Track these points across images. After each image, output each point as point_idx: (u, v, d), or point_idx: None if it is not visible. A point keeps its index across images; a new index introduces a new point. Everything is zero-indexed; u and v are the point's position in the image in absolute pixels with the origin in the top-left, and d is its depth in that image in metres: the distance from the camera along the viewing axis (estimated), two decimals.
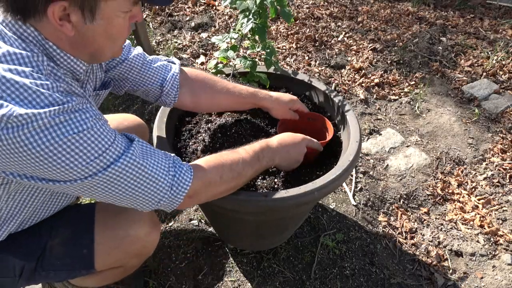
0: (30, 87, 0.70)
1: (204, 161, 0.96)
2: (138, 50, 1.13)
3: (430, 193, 1.87)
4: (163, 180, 0.86)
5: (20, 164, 0.72)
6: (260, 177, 1.16)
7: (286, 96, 1.30)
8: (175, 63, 1.19)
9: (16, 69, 0.71)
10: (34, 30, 0.75)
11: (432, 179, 1.94)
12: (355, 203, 1.79)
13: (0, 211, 0.90)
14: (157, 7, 3.15)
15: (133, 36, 2.46)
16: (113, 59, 1.07)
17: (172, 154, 0.92)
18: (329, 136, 1.27)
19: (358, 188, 1.86)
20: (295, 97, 1.32)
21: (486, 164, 2.04)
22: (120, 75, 1.11)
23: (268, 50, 1.37)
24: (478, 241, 1.67)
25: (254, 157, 1.03)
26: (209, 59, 2.64)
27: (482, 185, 1.92)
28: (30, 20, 0.74)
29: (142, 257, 1.17)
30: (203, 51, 2.71)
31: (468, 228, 1.73)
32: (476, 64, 2.73)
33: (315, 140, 1.19)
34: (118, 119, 1.41)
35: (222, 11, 3.15)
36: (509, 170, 1.99)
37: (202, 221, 1.69)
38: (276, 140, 1.11)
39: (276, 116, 1.30)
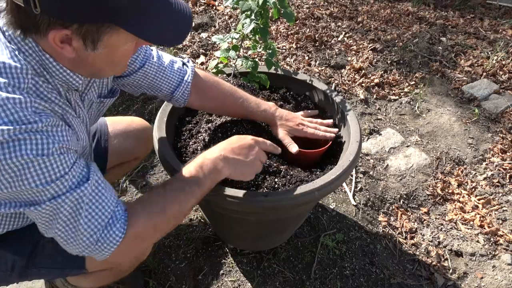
0: None
1: (139, 214, 0.87)
2: (153, 55, 1.11)
3: (430, 193, 1.88)
4: (90, 233, 0.81)
5: None
6: (260, 177, 1.16)
7: (293, 121, 1.25)
8: (188, 67, 1.18)
9: None
10: (32, 41, 0.74)
11: (432, 179, 1.94)
12: (355, 203, 1.79)
13: None
14: None
15: None
16: (128, 67, 1.07)
17: (119, 202, 0.86)
18: (329, 141, 1.28)
19: (358, 188, 1.86)
20: (301, 127, 1.25)
21: (486, 164, 2.04)
22: (134, 83, 1.11)
23: (270, 51, 1.37)
24: (478, 241, 1.67)
25: (195, 183, 0.92)
26: (209, 59, 2.64)
27: (482, 185, 1.92)
28: (31, 36, 0.73)
29: (136, 260, 1.16)
30: (203, 51, 2.71)
31: (468, 228, 1.73)
32: (476, 64, 2.73)
33: (268, 142, 1.08)
34: (127, 121, 1.43)
35: (222, 11, 3.15)
36: (509, 170, 1.99)
37: (202, 221, 1.69)
38: (217, 149, 0.98)
39: (275, 135, 1.26)
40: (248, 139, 1.03)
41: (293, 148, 1.20)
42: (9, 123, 0.68)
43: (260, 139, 1.06)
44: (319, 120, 1.35)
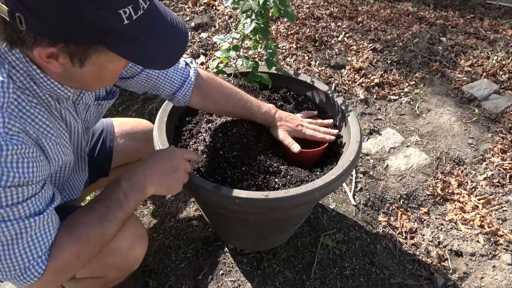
0: None
1: (60, 244, 0.84)
2: None
3: (430, 193, 1.88)
4: (19, 265, 0.78)
5: None
6: (260, 177, 1.16)
7: (293, 123, 1.26)
8: (191, 68, 1.18)
9: None
10: (19, 52, 0.73)
11: (432, 179, 1.94)
12: (355, 203, 1.79)
13: None
14: None
15: None
16: (130, 69, 1.06)
17: (48, 244, 0.82)
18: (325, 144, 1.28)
19: (358, 188, 1.86)
20: (300, 127, 1.26)
21: (486, 164, 2.04)
22: (136, 84, 1.12)
23: (271, 51, 1.37)
24: (478, 241, 1.67)
25: (115, 210, 0.90)
26: (209, 59, 2.64)
27: (482, 185, 1.92)
28: (16, 48, 0.71)
29: (123, 271, 1.13)
30: (203, 51, 2.70)
31: (468, 228, 1.73)
32: (476, 64, 2.73)
33: (188, 150, 1.09)
34: (133, 123, 1.43)
35: (222, 11, 3.14)
36: (509, 170, 1.99)
37: (202, 221, 1.69)
38: (140, 171, 0.96)
39: (276, 136, 1.27)
40: (169, 152, 1.01)
41: (295, 147, 1.21)
42: None
43: (181, 149, 1.04)
44: (319, 121, 1.35)
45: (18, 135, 0.72)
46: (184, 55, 2.65)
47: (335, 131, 1.32)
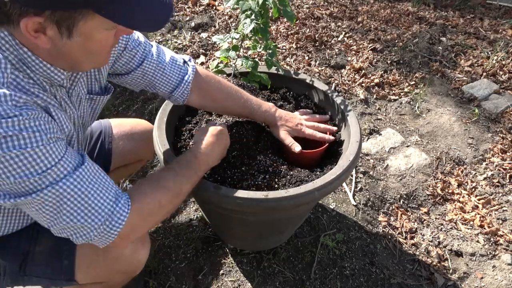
0: None
1: (142, 191, 0.91)
2: (153, 53, 1.09)
3: (430, 193, 1.87)
4: (99, 212, 0.81)
5: None
6: (260, 177, 1.16)
7: (292, 122, 1.26)
8: (190, 66, 1.17)
9: None
10: (8, 34, 0.71)
11: (432, 179, 1.94)
12: (355, 203, 1.79)
13: None
14: None
15: None
16: (125, 65, 1.06)
17: (115, 187, 0.87)
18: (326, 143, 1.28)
19: (358, 188, 1.86)
20: (300, 126, 1.26)
21: (486, 164, 2.04)
22: (132, 81, 1.11)
23: (270, 51, 1.37)
24: (478, 241, 1.67)
25: (190, 171, 0.99)
26: (209, 59, 2.64)
27: (482, 185, 1.92)
28: (3, 27, 0.70)
29: (127, 275, 1.13)
30: (203, 51, 2.71)
31: (468, 228, 1.73)
32: (476, 64, 2.73)
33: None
34: (132, 124, 1.42)
35: (222, 11, 3.15)
36: (509, 170, 1.99)
37: (202, 221, 1.69)
38: (199, 145, 1.05)
39: (276, 135, 1.27)
40: (223, 133, 1.11)
41: (296, 147, 1.21)
42: None
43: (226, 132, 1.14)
44: (317, 116, 1.35)
45: (27, 105, 0.72)
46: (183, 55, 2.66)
47: (334, 128, 1.33)
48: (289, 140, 1.24)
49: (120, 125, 1.39)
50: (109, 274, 1.07)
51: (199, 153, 1.03)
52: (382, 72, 2.60)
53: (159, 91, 1.16)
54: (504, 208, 1.81)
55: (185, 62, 1.18)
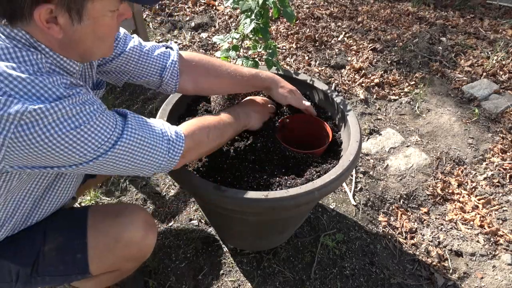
0: (37, 83, 0.71)
1: (191, 123, 1.03)
2: (135, 41, 1.10)
3: (430, 193, 1.87)
4: (160, 146, 0.92)
5: (35, 157, 0.74)
6: (260, 177, 1.16)
7: (287, 86, 1.30)
8: (173, 49, 1.16)
9: (19, 67, 0.71)
10: (25, 33, 0.75)
11: (432, 179, 1.94)
12: (355, 203, 1.79)
13: (8, 203, 0.91)
14: (157, 6, 3.14)
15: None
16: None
17: (162, 121, 0.98)
18: (328, 140, 1.28)
19: (358, 188, 1.86)
20: (298, 94, 1.31)
21: (486, 164, 2.04)
22: (117, 68, 1.09)
23: (270, 51, 1.37)
24: (478, 241, 1.67)
25: (233, 117, 1.14)
26: None
27: (482, 185, 1.92)
28: (17, 24, 0.73)
29: (138, 261, 1.16)
30: (203, 51, 2.71)
31: (468, 228, 1.73)
32: (476, 64, 2.73)
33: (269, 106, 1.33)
34: None
35: (222, 11, 3.15)
36: (509, 170, 1.99)
37: (202, 221, 1.69)
38: (248, 102, 1.26)
39: (277, 99, 1.29)
40: (257, 99, 1.30)
41: (306, 102, 1.32)
42: (55, 100, 0.72)
43: (267, 107, 1.32)
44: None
45: (73, 86, 0.79)
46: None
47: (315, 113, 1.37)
48: (291, 99, 1.29)
49: None
50: (121, 262, 1.09)
51: (241, 107, 1.21)
52: (382, 72, 2.60)
53: (147, 78, 1.13)
54: (504, 208, 1.81)
55: (167, 47, 1.17)
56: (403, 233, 1.71)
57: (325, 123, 1.34)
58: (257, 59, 1.58)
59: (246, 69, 1.23)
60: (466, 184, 1.93)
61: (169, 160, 0.94)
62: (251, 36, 1.34)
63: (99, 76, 1.11)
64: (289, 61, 2.65)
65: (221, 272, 1.51)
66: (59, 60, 0.82)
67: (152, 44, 1.14)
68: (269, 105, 1.33)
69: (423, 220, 1.77)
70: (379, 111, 2.35)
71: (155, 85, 1.17)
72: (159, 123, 0.95)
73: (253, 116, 1.23)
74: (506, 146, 2.12)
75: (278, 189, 1.13)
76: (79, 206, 1.69)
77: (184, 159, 0.99)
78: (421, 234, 1.71)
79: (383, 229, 1.71)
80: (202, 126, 1.04)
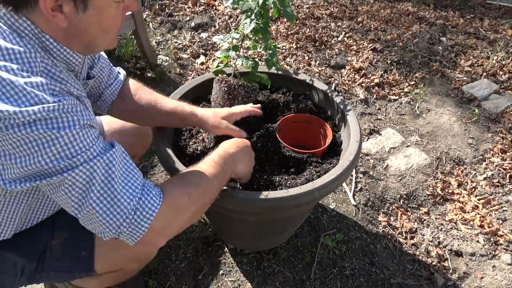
0: (17, 85, 0.68)
1: (171, 184, 0.90)
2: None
3: (430, 193, 1.88)
4: (127, 199, 0.78)
5: (8, 156, 0.71)
6: (259, 177, 1.16)
7: (223, 111, 1.22)
8: (120, 73, 1.20)
9: (5, 66, 0.70)
10: (30, 23, 0.74)
11: (432, 179, 1.94)
12: (355, 203, 1.79)
13: (6, 209, 0.91)
14: (157, 6, 3.14)
15: (133, 36, 2.46)
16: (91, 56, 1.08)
17: (143, 178, 0.86)
18: (328, 140, 1.28)
19: (358, 188, 1.86)
20: (232, 111, 1.22)
21: (486, 164, 2.04)
22: (96, 82, 1.12)
23: (270, 51, 1.37)
24: (478, 241, 1.67)
25: (217, 168, 0.96)
26: (209, 59, 2.64)
27: (482, 185, 1.92)
28: (22, 11, 0.73)
29: (142, 261, 1.16)
30: (203, 51, 2.71)
31: (468, 228, 1.73)
32: (476, 64, 2.73)
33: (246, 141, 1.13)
34: (122, 121, 1.42)
35: (222, 11, 3.15)
36: (509, 170, 1.99)
37: (202, 221, 1.69)
38: (229, 144, 1.05)
39: (212, 131, 1.21)
40: (241, 141, 1.10)
41: (243, 133, 1.18)
42: (35, 104, 0.69)
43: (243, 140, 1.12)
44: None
45: (62, 94, 0.74)
46: (183, 55, 2.66)
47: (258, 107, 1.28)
48: (231, 128, 1.18)
49: (111, 121, 1.39)
50: (126, 262, 1.09)
51: (224, 152, 1.02)
52: (382, 72, 2.60)
53: (99, 85, 1.15)
54: (504, 208, 1.81)
55: (118, 71, 1.21)
56: (403, 233, 1.71)
57: (325, 123, 1.34)
58: (257, 59, 1.58)
59: (181, 108, 1.19)
60: (466, 184, 1.93)
61: (133, 224, 0.78)
62: (251, 36, 1.34)
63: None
64: (289, 61, 2.65)
65: (221, 272, 1.51)
66: (62, 51, 0.80)
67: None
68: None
69: (423, 220, 1.77)
70: (379, 111, 2.35)
71: (94, 98, 1.18)
72: (140, 177, 0.84)
73: (239, 158, 1.06)
74: (506, 146, 2.12)
75: (278, 189, 1.13)
76: None
77: (158, 235, 0.83)
78: (421, 234, 1.71)
79: (383, 229, 1.71)
80: (182, 185, 0.89)
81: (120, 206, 0.77)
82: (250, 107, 1.25)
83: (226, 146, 1.05)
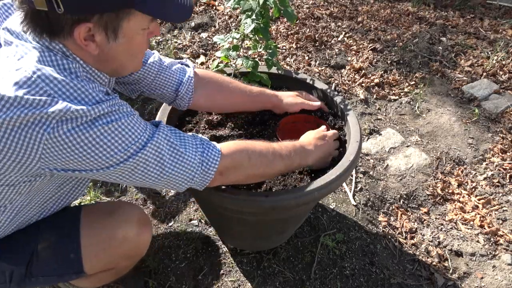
0: (80, 87, 0.75)
1: (232, 143, 1.00)
2: (155, 56, 1.15)
3: (430, 193, 1.88)
4: (193, 156, 0.89)
5: (69, 157, 0.76)
6: None
7: (290, 93, 1.34)
8: (189, 66, 1.21)
9: (62, 72, 0.75)
10: (62, 46, 0.78)
11: (432, 179, 1.94)
12: (355, 203, 1.79)
13: (13, 209, 0.91)
14: None
15: None
16: None
17: (199, 136, 0.96)
18: None
19: (358, 188, 1.86)
20: (299, 100, 1.34)
21: (486, 164, 2.04)
22: (136, 80, 1.13)
23: (271, 51, 1.37)
24: (478, 241, 1.67)
25: (286, 152, 1.04)
26: (209, 59, 2.64)
27: (482, 185, 1.92)
28: (55, 39, 0.77)
29: (133, 259, 1.17)
30: (203, 51, 2.71)
31: (468, 228, 1.73)
32: (476, 64, 2.73)
33: (333, 132, 1.24)
34: None
35: (222, 11, 3.15)
36: (509, 170, 1.99)
37: (202, 221, 1.69)
38: (307, 141, 1.14)
39: (288, 109, 1.34)
40: (330, 135, 1.20)
41: (315, 103, 1.34)
42: (95, 103, 0.75)
43: (331, 132, 1.22)
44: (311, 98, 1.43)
45: (108, 94, 0.82)
46: (183, 55, 2.66)
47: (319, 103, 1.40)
48: (302, 101, 1.31)
49: None
50: (116, 260, 1.10)
51: (299, 145, 1.11)
52: (382, 72, 2.60)
53: (164, 90, 1.17)
54: (504, 208, 1.81)
55: (183, 64, 1.22)
56: (403, 233, 1.71)
57: (326, 123, 1.34)
58: (257, 59, 1.58)
59: (254, 87, 1.28)
60: (466, 184, 1.93)
61: (202, 173, 0.92)
62: (251, 36, 1.34)
63: (115, 86, 1.13)
64: (289, 61, 2.65)
65: (221, 272, 1.51)
66: (91, 72, 0.85)
67: (171, 60, 1.20)
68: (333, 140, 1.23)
69: (423, 220, 1.77)
70: (379, 111, 2.35)
71: (170, 99, 1.21)
72: (194, 136, 0.95)
73: (313, 155, 1.13)
74: (506, 146, 2.12)
75: (278, 189, 1.13)
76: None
77: (221, 176, 0.96)
78: (421, 234, 1.71)
79: (383, 229, 1.71)
80: (244, 148, 0.99)
81: (190, 163, 0.89)
82: (317, 104, 1.36)
83: (305, 141, 1.14)
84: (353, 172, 1.92)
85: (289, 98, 1.33)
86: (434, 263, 1.60)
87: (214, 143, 0.95)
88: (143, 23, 0.82)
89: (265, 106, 1.32)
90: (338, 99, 1.39)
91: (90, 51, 0.80)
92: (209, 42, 2.78)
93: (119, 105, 0.80)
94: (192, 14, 3.09)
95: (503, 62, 2.72)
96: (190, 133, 0.95)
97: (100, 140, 0.76)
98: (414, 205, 1.83)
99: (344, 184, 1.85)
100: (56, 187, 0.97)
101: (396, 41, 2.92)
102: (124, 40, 0.81)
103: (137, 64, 0.95)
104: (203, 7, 3.21)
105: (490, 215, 1.79)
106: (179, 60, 1.22)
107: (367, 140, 2.14)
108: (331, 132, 1.22)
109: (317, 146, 1.14)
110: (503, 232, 1.71)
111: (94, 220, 1.06)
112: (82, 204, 1.71)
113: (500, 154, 2.08)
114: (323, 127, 1.24)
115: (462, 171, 1.99)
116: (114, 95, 0.82)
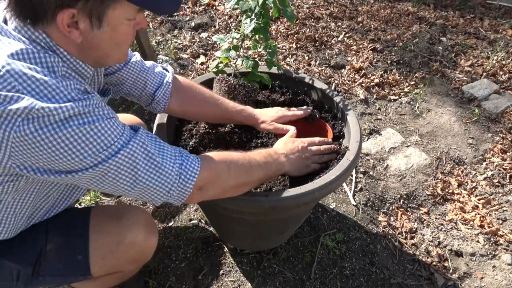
0: (50, 85, 0.72)
1: (211, 153, 0.98)
2: (137, 57, 1.14)
3: (430, 193, 1.87)
4: (170, 167, 0.86)
5: (37, 156, 0.74)
6: None
7: (272, 111, 1.30)
8: (168, 71, 1.20)
9: (35, 68, 0.73)
10: (46, 36, 0.77)
11: (432, 179, 1.94)
12: (355, 203, 1.79)
13: (7, 208, 0.90)
14: None
15: None
16: (114, 65, 1.08)
17: (178, 148, 0.93)
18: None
19: (358, 188, 1.86)
20: (281, 112, 1.30)
21: (486, 164, 2.04)
22: (118, 80, 1.12)
23: (270, 51, 1.37)
24: (478, 241, 1.67)
25: (262, 159, 1.04)
26: (209, 59, 2.64)
27: (482, 185, 1.92)
28: (38, 25, 0.75)
29: (139, 263, 1.17)
30: (203, 51, 2.71)
31: (468, 228, 1.73)
32: (476, 64, 2.73)
33: (319, 139, 1.20)
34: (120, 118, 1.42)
35: (222, 11, 3.14)
36: (509, 170, 1.99)
37: (202, 221, 1.69)
38: (282, 147, 1.13)
39: (265, 130, 1.30)
40: (306, 142, 1.17)
41: (291, 128, 1.25)
42: (68, 101, 0.73)
43: (312, 139, 1.20)
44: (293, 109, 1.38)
45: (87, 93, 0.80)
46: (183, 55, 2.66)
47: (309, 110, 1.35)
48: (279, 126, 1.26)
49: None
50: (123, 264, 1.10)
51: (273, 151, 1.10)
52: (382, 72, 2.60)
53: (142, 92, 1.16)
54: (504, 208, 1.81)
55: (163, 68, 1.21)
56: (403, 233, 1.71)
57: (325, 123, 1.34)
58: (257, 59, 1.58)
59: (232, 104, 1.26)
60: (466, 184, 1.93)
61: (180, 187, 0.88)
62: (251, 36, 1.34)
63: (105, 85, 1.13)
64: (289, 61, 2.65)
65: (221, 272, 1.51)
66: (75, 64, 0.83)
67: (152, 62, 1.19)
68: (325, 147, 1.20)
69: (423, 220, 1.77)
70: (379, 111, 2.35)
71: (146, 102, 1.20)
72: (174, 147, 0.91)
73: (291, 164, 1.12)
74: (506, 146, 2.12)
75: (278, 189, 1.13)
76: (79, 206, 1.69)
77: (200, 192, 0.93)
78: (421, 234, 1.71)
79: (383, 229, 1.71)
80: (224, 158, 0.97)
81: (166, 175, 0.86)
82: (300, 112, 1.31)
83: (279, 147, 1.14)
84: (353, 172, 1.92)
85: (265, 124, 1.28)
86: (434, 263, 1.60)
87: (192, 155, 0.93)
88: (129, 13, 0.80)
89: (244, 123, 1.31)
90: (338, 99, 1.39)
91: (74, 39, 0.77)
92: (209, 42, 2.78)
93: (95, 107, 0.77)
94: (192, 14, 3.10)
95: (503, 62, 2.72)
96: (169, 144, 0.92)
97: (69, 143, 0.73)
98: (414, 205, 1.83)
99: (344, 184, 1.85)
100: (49, 186, 0.96)
101: (396, 41, 2.92)
102: (109, 28, 0.79)
103: (122, 55, 0.91)
104: (203, 7, 3.21)
105: (490, 215, 1.79)
106: (159, 65, 1.22)
107: (367, 140, 2.14)
108: (310, 139, 1.20)
109: (292, 151, 1.13)
110: (503, 232, 1.71)
111: (103, 223, 1.06)
112: (82, 204, 1.71)
113: (500, 154, 2.08)
114: (293, 131, 1.24)
115: (462, 171, 1.99)
116: (91, 95, 0.79)
